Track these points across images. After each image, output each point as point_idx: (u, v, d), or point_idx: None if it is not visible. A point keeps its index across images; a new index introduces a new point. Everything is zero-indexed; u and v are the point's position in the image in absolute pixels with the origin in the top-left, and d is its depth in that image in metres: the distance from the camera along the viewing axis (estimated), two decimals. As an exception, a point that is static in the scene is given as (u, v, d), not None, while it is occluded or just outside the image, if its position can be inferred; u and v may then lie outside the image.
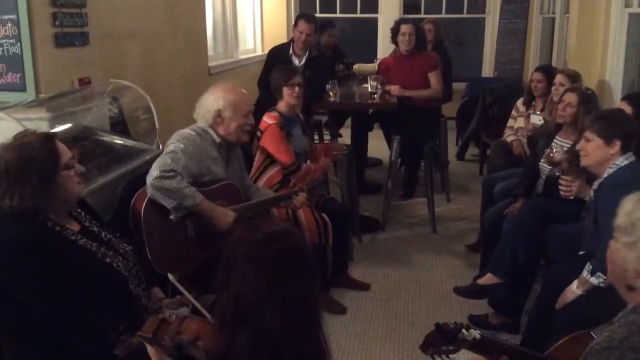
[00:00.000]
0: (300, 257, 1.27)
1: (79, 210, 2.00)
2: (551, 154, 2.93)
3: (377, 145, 5.86)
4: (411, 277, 3.75)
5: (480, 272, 3.59)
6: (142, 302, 1.98)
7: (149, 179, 2.42)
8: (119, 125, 3.52)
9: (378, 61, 5.72)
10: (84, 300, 1.78)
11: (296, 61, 4.48)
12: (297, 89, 3.36)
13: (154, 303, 2.04)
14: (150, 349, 1.50)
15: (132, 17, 3.99)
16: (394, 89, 4.64)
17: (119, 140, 3.19)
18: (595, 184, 2.43)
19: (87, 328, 1.78)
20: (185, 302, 2.08)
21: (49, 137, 1.84)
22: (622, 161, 2.34)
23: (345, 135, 6.09)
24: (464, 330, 1.42)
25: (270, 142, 3.32)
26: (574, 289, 2.43)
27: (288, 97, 3.37)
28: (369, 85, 4.61)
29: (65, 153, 1.85)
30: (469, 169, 6.09)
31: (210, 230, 2.56)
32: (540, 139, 3.58)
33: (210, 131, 2.67)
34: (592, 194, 2.48)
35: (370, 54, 8.21)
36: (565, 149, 3.13)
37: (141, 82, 3.71)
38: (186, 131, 2.64)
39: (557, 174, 2.97)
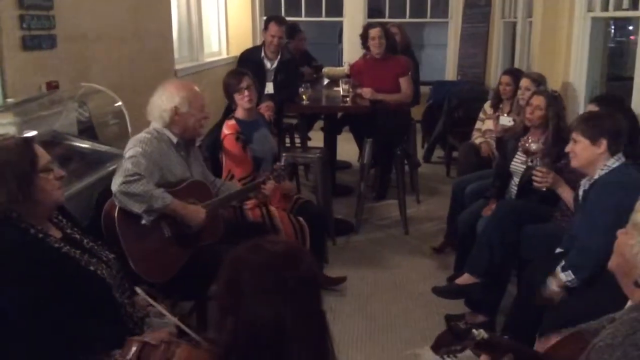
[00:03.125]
0: (313, 276, 1.24)
1: (59, 217, 1.94)
2: (527, 144, 2.98)
3: (346, 149, 5.88)
4: (387, 279, 3.77)
5: (454, 272, 3.66)
6: (127, 310, 1.94)
7: (114, 186, 2.36)
8: (87, 130, 3.43)
9: (347, 64, 5.75)
10: (69, 310, 1.73)
11: (268, 64, 4.46)
12: (246, 92, 3.29)
13: (139, 311, 1.99)
14: None
15: (98, 19, 3.90)
16: (366, 92, 4.67)
17: (90, 146, 3.11)
18: (586, 185, 2.47)
19: (73, 337, 1.73)
20: (171, 311, 2.05)
21: (27, 141, 1.80)
22: (613, 162, 2.38)
23: (314, 138, 6.10)
24: (474, 330, 1.43)
25: (226, 153, 3.30)
26: (552, 287, 2.48)
27: (241, 103, 3.32)
28: (340, 88, 4.63)
29: (44, 156, 1.81)
30: (436, 170, 6.18)
31: (186, 231, 2.54)
32: (509, 141, 3.66)
33: (166, 131, 2.62)
34: (581, 193, 2.53)
35: (333, 57, 8.28)
36: (541, 141, 3.18)
37: (108, 86, 3.63)
38: (141, 135, 2.58)
39: (530, 164, 3.02)
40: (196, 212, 2.55)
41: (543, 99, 3.34)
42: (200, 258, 2.57)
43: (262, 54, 4.52)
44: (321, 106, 4.77)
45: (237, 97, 3.31)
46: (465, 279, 3.07)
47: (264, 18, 7.87)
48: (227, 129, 3.29)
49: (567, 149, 2.49)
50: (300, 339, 1.16)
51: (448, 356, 1.49)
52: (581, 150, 2.42)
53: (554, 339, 1.68)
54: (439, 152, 6.52)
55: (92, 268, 1.85)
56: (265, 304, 1.16)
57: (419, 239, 4.39)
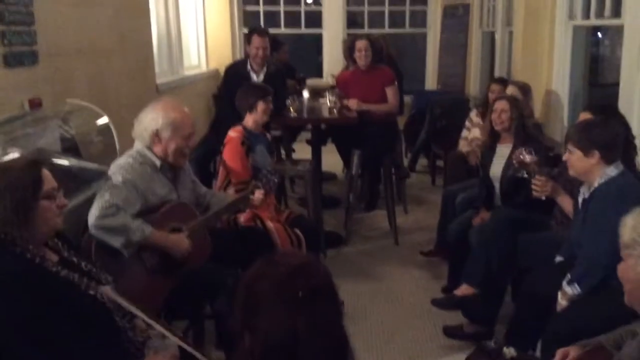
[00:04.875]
0: (330, 290, 1.21)
1: (55, 239, 1.86)
2: (521, 156, 2.99)
3: (329, 160, 5.85)
4: (380, 291, 3.74)
5: (448, 283, 3.65)
6: (127, 334, 1.86)
7: (90, 220, 2.25)
8: (70, 148, 3.34)
9: (331, 76, 5.74)
10: (70, 336, 1.65)
11: (254, 77, 4.42)
12: (270, 105, 3.40)
13: (140, 335, 1.92)
14: None
15: (80, 34, 3.81)
16: (352, 103, 4.66)
17: (77, 164, 3.02)
18: (586, 193, 2.48)
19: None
20: (173, 330, 1.98)
21: (35, 164, 1.72)
22: (611, 170, 2.39)
23: (298, 151, 6.07)
24: (505, 348, 1.40)
25: (228, 154, 3.30)
26: (560, 301, 2.47)
27: (262, 113, 3.37)
28: (327, 100, 4.61)
29: (49, 182, 1.75)
30: (421, 180, 6.19)
31: (168, 261, 2.41)
32: (485, 151, 3.69)
33: (149, 154, 2.50)
34: (580, 201, 2.53)
35: (312, 69, 8.27)
36: (526, 151, 3.18)
37: (91, 101, 3.54)
38: (123, 161, 2.47)
39: (524, 176, 3.03)
40: (178, 242, 2.42)
41: (505, 102, 3.44)
42: (189, 279, 2.47)
43: (248, 67, 4.48)
44: (310, 118, 4.75)
45: (261, 104, 3.36)
46: (463, 289, 3.06)
47: (244, 31, 7.87)
48: (233, 133, 3.33)
49: (564, 158, 2.50)
50: (315, 352, 1.14)
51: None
52: (576, 161, 2.43)
53: (573, 352, 1.66)
54: (422, 161, 6.53)
55: (92, 292, 1.78)
56: (277, 317, 1.14)
57: (409, 249, 4.37)
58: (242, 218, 3.18)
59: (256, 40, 4.40)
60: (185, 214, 2.57)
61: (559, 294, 2.43)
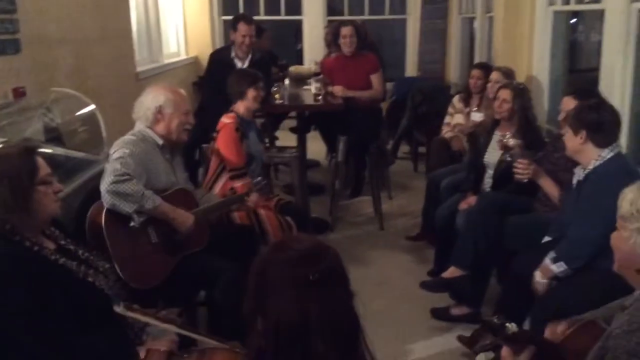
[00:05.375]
0: (341, 272, 1.22)
1: (51, 228, 1.86)
2: (504, 140, 3.04)
3: (312, 147, 5.87)
4: (368, 276, 3.78)
5: (434, 266, 3.70)
6: (127, 321, 1.87)
7: (104, 186, 2.32)
8: (55, 137, 3.31)
9: (315, 63, 5.73)
10: (70, 323, 1.66)
11: (239, 64, 4.40)
12: (261, 92, 3.39)
13: (138, 321, 1.93)
14: None
15: (62, 22, 3.77)
16: (337, 89, 4.67)
17: (65, 153, 3.00)
18: (581, 174, 2.53)
19: (75, 351, 1.66)
20: (171, 319, 1.99)
21: (29, 150, 1.71)
22: (607, 153, 2.43)
23: (281, 138, 6.07)
24: (507, 324, 1.45)
25: (222, 140, 3.28)
26: (539, 279, 2.53)
27: (253, 99, 3.36)
28: (312, 87, 4.61)
29: (44, 168, 1.75)
30: (404, 166, 6.23)
31: (172, 236, 2.51)
32: (480, 135, 3.73)
33: (151, 133, 2.61)
34: (575, 182, 2.58)
35: (291, 55, 8.26)
36: (509, 135, 3.23)
37: (73, 90, 3.52)
38: (127, 137, 2.56)
39: (508, 159, 3.09)
40: (185, 217, 2.53)
41: (509, 91, 3.42)
42: (187, 265, 2.54)
43: (233, 54, 4.46)
44: (296, 105, 4.75)
45: (251, 91, 3.35)
46: (451, 272, 3.10)
47: (223, 18, 7.81)
48: (227, 119, 3.30)
49: (564, 138, 2.55)
50: (327, 333, 1.15)
51: (482, 351, 1.50)
52: (567, 140, 2.49)
53: (562, 326, 1.72)
54: (404, 148, 6.58)
55: (90, 279, 1.79)
56: (288, 300, 1.15)
57: (395, 234, 4.42)
58: (237, 212, 3.18)
59: (243, 27, 4.37)
60: (187, 200, 2.67)
61: (538, 273, 2.49)
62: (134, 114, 2.65)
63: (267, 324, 1.17)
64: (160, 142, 2.62)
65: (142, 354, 1.55)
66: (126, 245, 2.35)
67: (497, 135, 3.48)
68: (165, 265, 2.48)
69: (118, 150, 2.44)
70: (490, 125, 3.61)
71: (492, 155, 3.49)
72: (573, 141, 2.45)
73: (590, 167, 2.45)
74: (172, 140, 2.66)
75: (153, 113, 2.59)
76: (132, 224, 2.36)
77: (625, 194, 1.50)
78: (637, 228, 1.42)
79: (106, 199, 2.31)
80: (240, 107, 3.38)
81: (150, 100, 2.60)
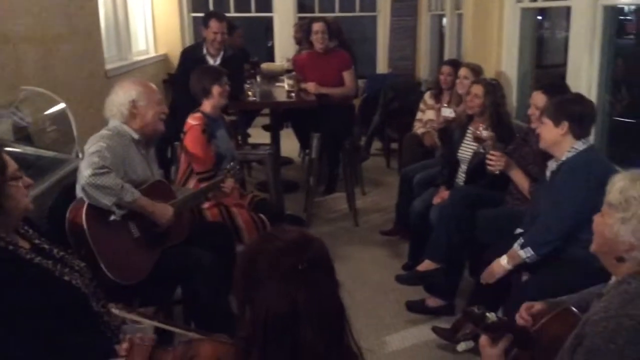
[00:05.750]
0: (327, 262, 1.24)
1: (25, 227, 1.83)
2: (478, 132, 3.09)
3: (285, 144, 5.87)
4: (343, 271, 3.71)
5: (408, 260, 3.75)
6: (104, 319, 1.86)
7: (82, 180, 2.29)
8: (24, 137, 3.24)
9: (286, 60, 5.72)
10: (47, 322, 1.64)
11: (211, 61, 4.37)
12: (226, 87, 3.32)
13: (115, 319, 1.91)
14: None
15: (29, 19, 3.69)
16: (310, 86, 4.68)
17: (35, 152, 2.94)
18: (554, 166, 2.58)
19: (52, 350, 1.64)
20: (148, 316, 1.97)
21: None
22: (580, 145, 2.48)
23: (254, 136, 6.06)
24: (487, 313, 1.48)
25: (189, 143, 3.23)
26: (504, 264, 2.59)
27: (219, 97, 3.29)
28: (285, 83, 4.61)
29: (11, 164, 1.72)
30: (376, 162, 6.27)
31: (154, 231, 2.51)
32: (455, 131, 3.78)
33: (126, 128, 2.59)
34: (548, 174, 2.63)
35: (262, 52, 8.24)
36: (482, 127, 3.28)
37: (41, 88, 3.45)
38: (102, 132, 2.54)
39: (481, 150, 3.14)
40: (164, 209, 2.53)
41: (481, 87, 3.48)
42: (164, 260, 2.53)
43: (204, 51, 4.42)
44: (270, 102, 4.74)
45: (216, 88, 3.27)
46: (425, 265, 3.14)
47: (192, 15, 7.74)
48: (193, 120, 3.23)
49: (537, 130, 2.58)
50: (315, 322, 1.17)
51: (463, 340, 1.52)
52: (546, 131, 2.51)
53: (537, 305, 1.76)
54: (376, 144, 6.62)
55: (66, 278, 1.77)
56: (277, 290, 1.17)
57: (369, 229, 4.46)
58: (206, 205, 3.16)
59: (214, 25, 4.34)
60: (165, 193, 2.66)
61: (505, 258, 2.54)
62: (107, 112, 2.61)
63: (255, 314, 1.18)
64: (136, 136, 2.60)
65: (121, 351, 1.53)
66: (110, 243, 2.33)
67: (471, 131, 3.53)
68: (147, 261, 2.47)
69: (94, 144, 2.40)
70: (465, 121, 3.67)
71: (466, 151, 3.54)
72: (552, 132, 2.48)
73: (563, 158, 2.50)
74: (149, 132, 2.64)
75: (128, 108, 2.56)
76: (112, 217, 2.34)
77: (615, 181, 1.51)
78: (623, 218, 1.44)
79: (85, 192, 2.28)
80: (207, 105, 3.31)
81: (122, 96, 2.57)
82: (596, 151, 2.56)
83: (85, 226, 2.25)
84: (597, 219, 1.54)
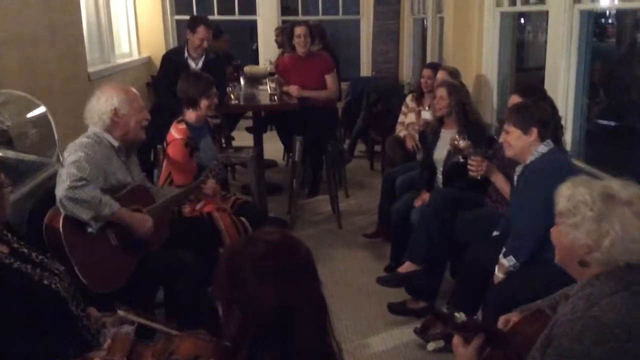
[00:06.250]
0: (310, 261, 1.27)
1: (4, 231, 1.83)
2: (456, 142, 3.13)
3: (269, 147, 5.88)
4: (326, 273, 3.81)
5: (390, 262, 3.77)
6: (83, 323, 1.86)
7: (59, 192, 2.27)
8: (5, 140, 3.23)
9: (269, 63, 5.74)
10: (27, 326, 1.64)
11: (193, 64, 4.37)
12: (215, 99, 3.29)
13: (95, 323, 1.92)
14: None
15: (9, 21, 3.67)
16: (293, 89, 4.70)
17: (15, 156, 2.93)
18: (518, 170, 2.62)
19: (31, 355, 1.64)
20: (127, 320, 1.98)
21: None
22: (542, 148, 2.53)
23: (238, 139, 6.06)
24: (456, 313, 1.50)
25: (170, 157, 3.21)
26: (497, 274, 2.61)
27: (205, 109, 3.25)
28: (267, 87, 4.62)
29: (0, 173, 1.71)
30: (360, 165, 6.31)
31: (132, 238, 2.49)
32: (429, 135, 3.83)
33: (106, 135, 2.55)
34: (515, 179, 2.67)
35: (247, 55, 8.25)
36: (460, 137, 3.32)
37: (22, 92, 3.42)
38: (81, 140, 2.50)
39: (461, 160, 3.18)
40: (143, 221, 2.51)
41: (444, 89, 3.55)
42: (145, 263, 2.52)
43: (186, 54, 4.43)
44: (252, 105, 4.75)
45: (204, 102, 3.23)
46: (406, 267, 3.18)
47: (176, 17, 7.73)
48: (177, 133, 3.18)
49: (501, 139, 2.62)
50: (306, 321, 1.20)
51: (433, 339, 1.55)
52: (515, 140, 2.54)
53: (514, 317, 1.79)
54: (360, 147, 6.66)
55: (45, 282, 1.77)
56: (272, 292, 1.19)
57: (352, 232, 4.48)
58: (187, 209, 3.16)
59: (202, 31, 4.33)
60: (144, 197, 2.65)
61: (496, 267, 2.58)
62: (87, 119, 2.57)
63: (248, 315, 1.20)
64: (116, 144, 2.57)
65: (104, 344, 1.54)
66: (86, 251, 2.30)
67: (443, 133, 3.59)
68: (127, 267, 2.46)
69: (73, 154, 2.38)
70: (437, 125, 3.71)
71: (440, 154, 3.58)
72: (522, 140, 2.51)
73: (527, 162, 2.55)
74: (130, 140, 2.62)
75: (110, 117, 2.52)
76: (89, 230, 2.33)
77: (561, 190, 1.55)
78: (574, 223, 1.48)
79: (62, 205, 2.26)
80: (192, 115, 3.27)
81: (104, 104, 2.52)
82: (560, 152, 2.60)
83: (62, 235, 2.23)
84: (553, 231, 1.59)
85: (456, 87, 3.59)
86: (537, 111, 2.50)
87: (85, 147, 2.42)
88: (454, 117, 3.49)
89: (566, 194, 1.53)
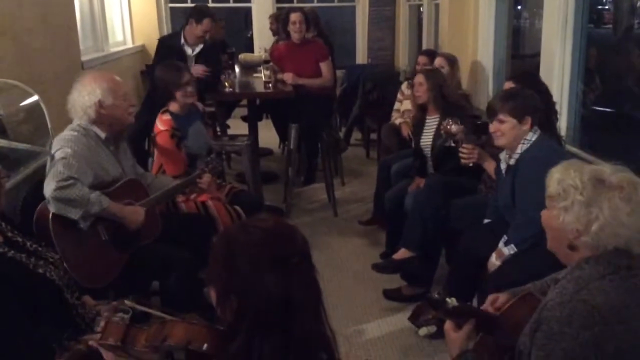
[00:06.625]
0: (306, 249, 1.27)
1: (-2, 220, 1.83)
2: (448, 126, 3.13)
3: (265, 135, 5.87)
4: (322, 260, 3.82)
5: (386, 249, 3.79)
6: (78, 311, 1.87)
7: (47, 192, 2.25)
8: (-2, 130, 3.21)
9: (264, 50, 5.71)
10: (22, 314, 1.65)
11: (189, 51, 4.37)
12: (189, 88, 3.19)
13: (89, 312, 1.93)
14: (108, 356, 1.41)
15: (3, 10, 3.64)
16: (288, 77, 4.68)
17: (7, 144, 2.92)
18: (510, 160, 2.61)
19: (27, 344, 1.64)
20: (123, 308, 1.99)
21: None
22: (531, 136, 2.53)
23: (233, 127, 6.04)
24: (447, 299, 1.51)
25: (159, 149, 3.20)
26: (494, 261, 2.62)
27: (183, 99, 3.19)
28: (262, 74, 4.61)
29: None
30: (356, 153, 6.30)
31: (124, 233, 2.46)
32: (415, 123, 3.84)
33: (93, 127, 2.51)
34: (503, 167, 2.67)
35: (242, 43, 8.21)
36: (452, 121, 3.32)
37: (15, 80, 3.41)
38: (67, 134, 2.45)
39: (451, 144, 3.18)
40: (135, 214, 2.48)
41: (421, 75, 3.59)
42: (139, 256, 2.51)
43: (182, 40, 4.41)
44: (246, 93, 4.73)
45: (178, 93, 3.17)
46: (401, 253, 3.19)
47: (170, 5, 7.67)
48: (161, 125, 3.15)
49: (492, 128, 2.60)
50: (304, 308, 1.21)
51: (425, 325, 1.56)
52: (509, 129, 2.53)
53: (502, 297, 1.80)
54: (356, 135, 6.65)
55: (40, 271, 1.77)
56: (268, 280, 1.19)
57: (348, 219, 4.48)
58: (181, 198, 3.15)
59: (208, 24, 4.33)
60: (137, 191, 2.62)
61: (494, 255, 2.58)
62: (71, 113, 2.52)
63: (247, 302, 1.20)
64: (103, 135, 2.53)
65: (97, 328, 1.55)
66: (76, 247, 2.28)
67: (428, 120, 3.61)
68: (117, 262, 2.44)
69: (60, 150, 2.34)
70: (420, 113, 3.73)
71: (427, 140, 3.60)
72: (516, 130, 2.51)
73: (519, 151, 2.54)
74: (118, 128, 2.58)
75: (95, 110, 2.47)
76: (80, 225, 2.30)
77: (552, 174, 1.55)
78: (565, 207, 1.48)
79: (51, 205, 2.24)
80: (174, 106, 3.22)
81: (87, 97, 2.46)
82: (548, 140, 2.60)
83: (51, 232, 2.21)
84: (543, 214, 1.58)
85: (432, 71, 3.64)
86: (530, 100, 2.50)
87: (72, 142, 2.38)
88: (433, 102, 3.53)
89: (557, 178, 1.53)
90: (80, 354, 1.54)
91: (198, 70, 4.17)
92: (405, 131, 4.54)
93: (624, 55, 4.49)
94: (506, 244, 2.55)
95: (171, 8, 7.70)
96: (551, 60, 3.63)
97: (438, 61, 4.34)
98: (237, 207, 3.17)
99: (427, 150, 3.59)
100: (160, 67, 3.37)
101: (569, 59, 3.56)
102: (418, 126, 3.71)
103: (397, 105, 4.79)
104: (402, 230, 3.32)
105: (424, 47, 6.15)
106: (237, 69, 5.52)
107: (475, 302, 2.68)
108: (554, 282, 1.59)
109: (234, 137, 4.57)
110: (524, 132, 2.52)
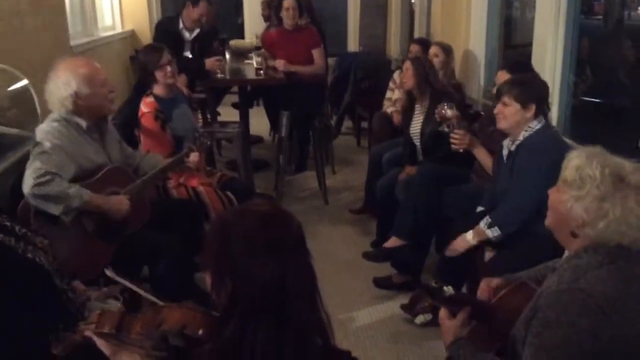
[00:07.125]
0: (301, 234, 1.27)
1: (-15, 205, 1.80)
2: (442, 111, 3.13)
3: (256, 123, 5.85)
4: (312, 249, 3.75)
5: (377, 237, 3.79)
6: (68, 296, 1.85)
7: (26, 189, 2.21)
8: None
9: (255, 36, 5.67)
10: (11, 300, 1.63)
11: (187, 35, 4.37)
12: (168, 68, 3.14)
13: (80, 297, 1.91)
14: (103, 345, 1.40)
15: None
16: (279, 63, 4.65)
17: (-4, 129, 2.88)
18: (511, 146, 2.62)
19: (19, 330, 1.63)
20: (113, 294, 1.98)
21: None
22: (535, 124, 2.52)
23: (223, 114, 6.01)
24: (444, 287, 1.51)
25: (144, 132, 3.18)
26: (469, 239, 2.64)
27: (163, 80, 3.16)
28: (253, 61, 4.58)
29: None
30: (347, 141, 6.29)
31: (108, 222, 2.42)
32: (405, 112, 3.84)
33: (74, 117, 2.45)
34: (505, 153, 2.67)
35: (233, 29, 8.14)
36: (448, 106, 3.32)
37: (3, 64, 3.36)
38: (47, 125, 2.40)
39: (445, 130, 3.18)
40: (119, 204, 2.44)
41: (408, 62, 3.61)
42: (129, 243, 2.49)
43: (180, 25, 4.39)
44: (238, 79, 4.70)
45: (158, 74, 3.15)
46: (392, 242, 3.19)
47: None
48: (145, 107, 3.13)
49: (496, 110, 2.61)
50: (299, 294, 1.20)
51: (421, 313, 1.56)
52: (512, 113, 2.53)
53: (496, 281, 1.80)
54: (347, 123, 6.64)
55: (30, 255, 1.75)
56: (264, 265, 1.18)
57: (339, 208, 4.49)
58: (172, 184, 3.14)
59: (204, 7, 4.35)
60: (122, 178, 2.57)
61: (470, 234, 2.59)
62: (50, 105, 2.46)
63: (241, 287, 1.19)
64: (85, 124, 2.47)
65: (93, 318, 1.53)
66: (60, 242, 2.19)
67: (417, 108, 3.62)
68: (105, 253, 2.40)
69: (38, 144, 2.29)
70: (408, 101, 3.73)
71: (416, 127, 3.62)
72: (518, 114, 2.51)
73: (521, 138, 2.55)
74: (99, 115, 2.52)
75: (72, 102, 2.40)
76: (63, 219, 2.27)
77: (571, 158, 1.51)
78: (577, 195, 1.45)
79: (31, 202, 2.21)
80: (158, 88, 3.20)
81: (63, 88, 2.39)
82: (553, 129, 2.61)
83: (33, 226, 2.14)
84: (552, 194, 1.55)
85: (419, 59, 3.66)
86: (538, 87, 2.51)
87: (51, 134, 2.33)
88: (418, 88, 3.54)
89: (576, 163, 1.48)
90: (76, 344, 1.53)
91: (212, 63, 4.24)
92: (397, 120, 4.54)
93: (614, 47, 4.50)
94: (489, 225, 2.56)
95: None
96: (543, 50, 3.63)
97: (433, 49, 4.34)
98: (229, 193, 3.17)
99: (417, 138, 3.59)
100: (141, 49, 3.39)
101: (561, 49, 3.55)
102: (407, 114, 3.71)
103: (388, 94, 4.78)
104: (393, 219, 3.32)
105: (416, 35, 6.13)
106: (227, 55, 5.47)
107: (464, 290, 2.70)
108: (550, 271, 1.59)
109: (224, 124, 4.55)
110: (526, 119, 2.52)
